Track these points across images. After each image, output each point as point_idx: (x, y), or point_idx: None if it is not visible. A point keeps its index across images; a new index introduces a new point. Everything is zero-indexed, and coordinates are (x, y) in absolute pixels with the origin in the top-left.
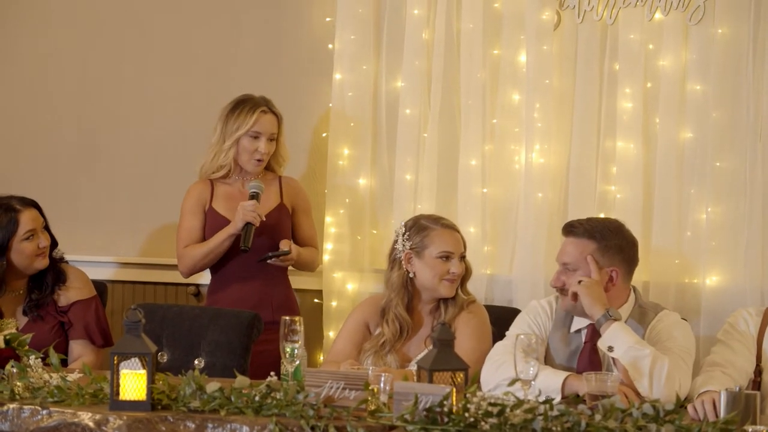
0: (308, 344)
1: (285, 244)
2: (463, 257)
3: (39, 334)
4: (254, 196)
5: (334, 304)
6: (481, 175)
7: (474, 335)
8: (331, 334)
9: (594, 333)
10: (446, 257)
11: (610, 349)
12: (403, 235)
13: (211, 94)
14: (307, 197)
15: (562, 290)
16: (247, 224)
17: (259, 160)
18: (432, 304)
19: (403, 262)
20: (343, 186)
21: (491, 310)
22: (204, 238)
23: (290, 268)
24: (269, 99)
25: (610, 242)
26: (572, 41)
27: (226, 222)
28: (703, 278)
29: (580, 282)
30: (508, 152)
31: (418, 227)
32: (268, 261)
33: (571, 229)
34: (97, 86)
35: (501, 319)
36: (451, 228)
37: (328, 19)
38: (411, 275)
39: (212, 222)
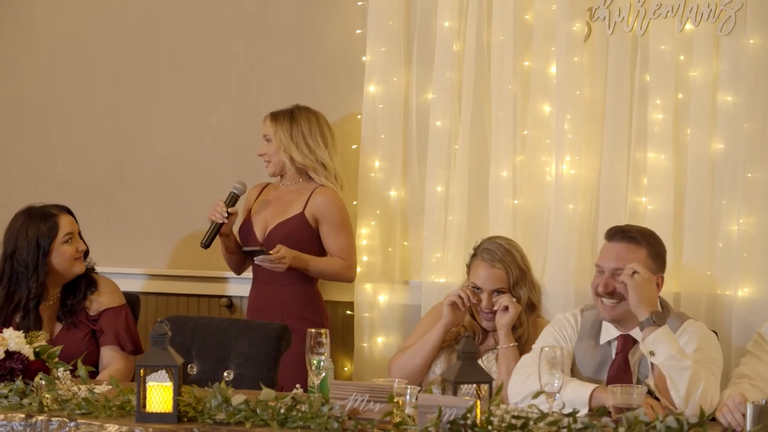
0: (340, 356)
1: (276, 248)
2: (500, 291)
3: (72, 341)
4: (230, 196)
5: (366, 315)
6: (512, 187)
7: None
8: (364, 345)
9: (625, 344)
10: (477, 288)
11: (652, 353)
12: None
13: (243, 107)
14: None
15: (613, 295)
16: (213, 222)
17: (265, 162)
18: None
19: None
20: (374, 198)
21: None
22: (240, 239)
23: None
24: (294, 106)
25: (658, 249)
26: (603, 52)
27: (248, 222)
28: (735, 290)
29: (633, 274)
30: (538, 164)
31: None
32: (255, 261)
33: (622, 233)
34: (131, 100)
35: None
36: (488, 261)
37: (358, 31)
38: None
39: (241, 222)
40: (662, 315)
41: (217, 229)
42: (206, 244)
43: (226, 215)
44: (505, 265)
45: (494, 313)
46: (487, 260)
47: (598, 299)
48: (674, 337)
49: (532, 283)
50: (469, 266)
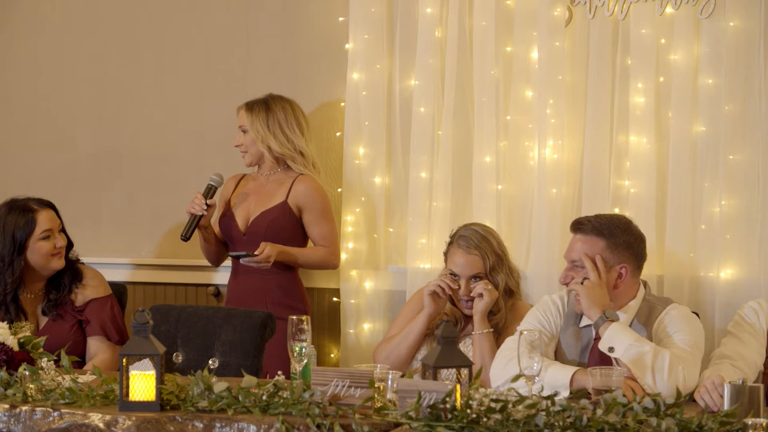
0: (326, 342)
1: (260, 247)
2: (478, 277)
3: (59, 333)
4: (207, 188)
5: (352, 301)
6: (496, 172)
7: None
8: (351, 331)
9: None
10: (455, 274)
11: (611, 349)
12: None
13: (227, 95)
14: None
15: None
16: (192, 214)
17: (242, 153)
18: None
19: None
20: (358, 185)
21: None
22: (220, 230)
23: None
24: (267, 95)
25: (619, 239)
26: (584, 37)
27: (229, 214)
28: (717, 271)
29: (582, 282)
30: (521, 148)
31: (450, 237)
32: (240, 261)
33: (579, 226)
34: (115, 89)
35: None
36: (464, 248)
37: (341, 18)
38: None
39: (221, 214)
40: (613, 311)
41: (196, 222)
42: (186, 237)
43: (205, 207)
44: (481, 251)
45: (473, 299)
46: (463, 247)
47: None
48: (628, 328)
49: (510, 268)
50: (446, 253)
